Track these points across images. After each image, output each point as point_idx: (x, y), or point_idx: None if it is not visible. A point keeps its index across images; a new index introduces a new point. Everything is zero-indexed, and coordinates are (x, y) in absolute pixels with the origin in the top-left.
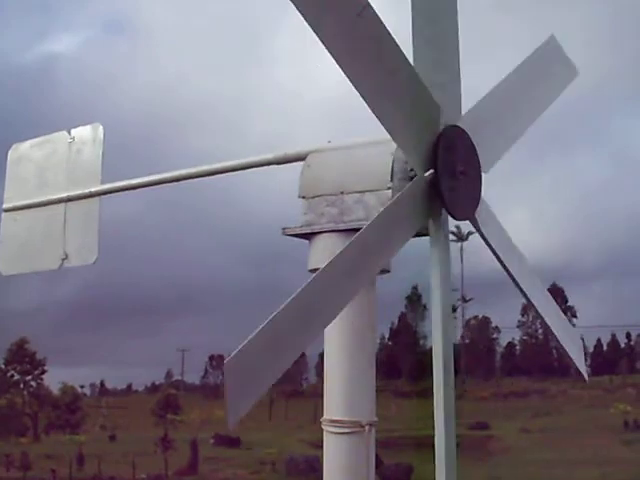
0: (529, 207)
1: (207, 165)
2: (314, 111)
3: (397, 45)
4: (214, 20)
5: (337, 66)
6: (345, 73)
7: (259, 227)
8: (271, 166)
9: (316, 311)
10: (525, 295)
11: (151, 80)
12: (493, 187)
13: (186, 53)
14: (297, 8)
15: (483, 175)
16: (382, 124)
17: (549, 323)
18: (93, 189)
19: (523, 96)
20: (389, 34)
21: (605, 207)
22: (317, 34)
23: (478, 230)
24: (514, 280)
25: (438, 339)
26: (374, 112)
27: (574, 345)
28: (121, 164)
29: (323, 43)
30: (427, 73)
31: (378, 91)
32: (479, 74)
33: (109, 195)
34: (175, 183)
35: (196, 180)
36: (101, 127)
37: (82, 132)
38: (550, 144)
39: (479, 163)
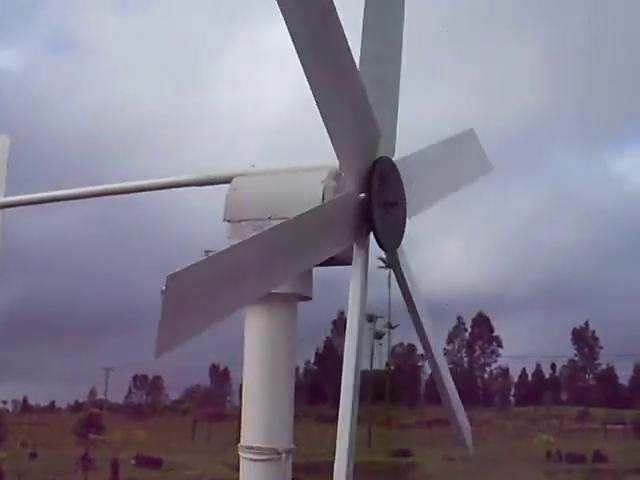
0: (464, 236)
1: (124, 183)
2: (253, 135)
3: (357, 73)
4: (161, 42)
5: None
6: (311, 88)
7: (187, 247)
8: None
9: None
10: (429, 351)
11: (96, 98)
12: (429, 214)
13: (133, 73)
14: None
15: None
16: (330, 137)
17: (449, 391)
18: None
19: (443, 171)
20: (352, 58)
21: (537, 240)
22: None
23: (396, 265)
24: (421, 331)
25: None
26: (325, 123)
27: (464, 418)
28: (61, 179)
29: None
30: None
31: (332, 104)
32: (421, 105)
33: (43, 209)
34: (96, 198)
35: (129, 197)
36: (7, 139)
37: None
38: (489, 174)
39: (405, 200)
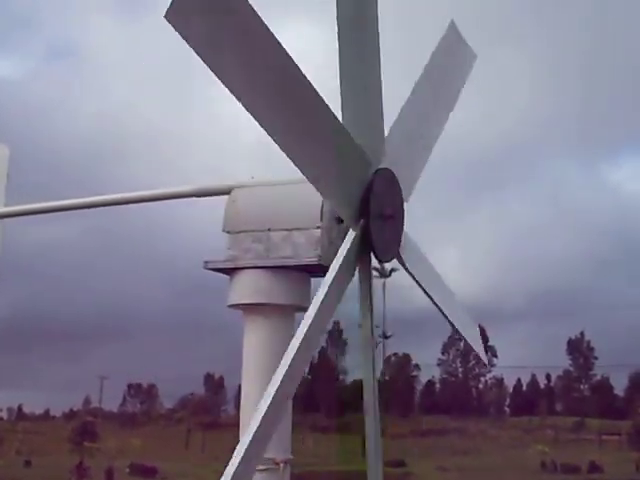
0: (460, 246)
1: (124, 194)
2: (252, 147)
3: (323, 101)
4: (161, 53)
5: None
6: (271, 137)
7: (184, 257)
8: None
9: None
10: (445, 316)
11: (95, 108)
12: (426, 224)
13: (132, 82)
14: (206, 63)
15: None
16: (311, 182)
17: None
18: None
19: (436, 100)
20: (312, 88)
21: (533, 250)
22: (230, 89)
23: (403, 265)
24: (437, 305)
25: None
26: (302, 171)
27: (475, 336)
28: (59, 188)
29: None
30: (354, 115)
31: (304, 150)
32: None
33: (42, 219)
34: (89, 210)
35: (128, 208)
36: (7, 149)
37: None
38: (486, 184)
39: (402, 200)
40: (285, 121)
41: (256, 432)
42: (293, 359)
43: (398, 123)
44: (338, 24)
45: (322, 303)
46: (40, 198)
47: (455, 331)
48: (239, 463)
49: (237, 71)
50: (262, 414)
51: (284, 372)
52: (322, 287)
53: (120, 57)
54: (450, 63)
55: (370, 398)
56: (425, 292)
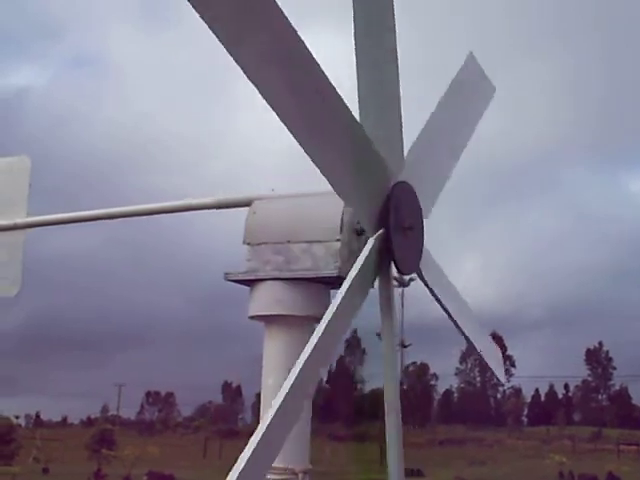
0: (479, 256)
1: (144, 205)
2: (271, 158)
3: (347, 107)
4: (181, 62)
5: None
6: (296, 139)
7: (204, 268)
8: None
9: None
10: (463, 333)
11: (116, 116)
12: (445, 235)
13: (153, 92)
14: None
15: (425, 221)
16: (333, 187)
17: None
18: (18, 221)
19: (453, 129)
20: (339, 97)
21: (552, 260)
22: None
23: (422, 278)
24: (455, 322)
25: (390, 387)
26: (324, 175)
27: (497, 359)
28: (77, 197)
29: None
30: (370, 126)
31: (328, 155)
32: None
33: (61, 229)
34: (110, 220)
35: (149, 218)
36: (28, 160)
37: (7, 163)
38: (505, 194)
39: (422, 214)
40: (306, 123)
41: (265, 434)
42: (305, 363)
43: (417, 143)
44: (355, 33)
45: (338, 309)
46: (60, 206)
47: (475, 351)
48: (245, 466)
49: (258, 63)
50: (272, 417)
51: (296, 376)
52: (339, 294)
53: (141, 66)
54: (468, 96)
55: (392, 408)
56: (446, 312)
